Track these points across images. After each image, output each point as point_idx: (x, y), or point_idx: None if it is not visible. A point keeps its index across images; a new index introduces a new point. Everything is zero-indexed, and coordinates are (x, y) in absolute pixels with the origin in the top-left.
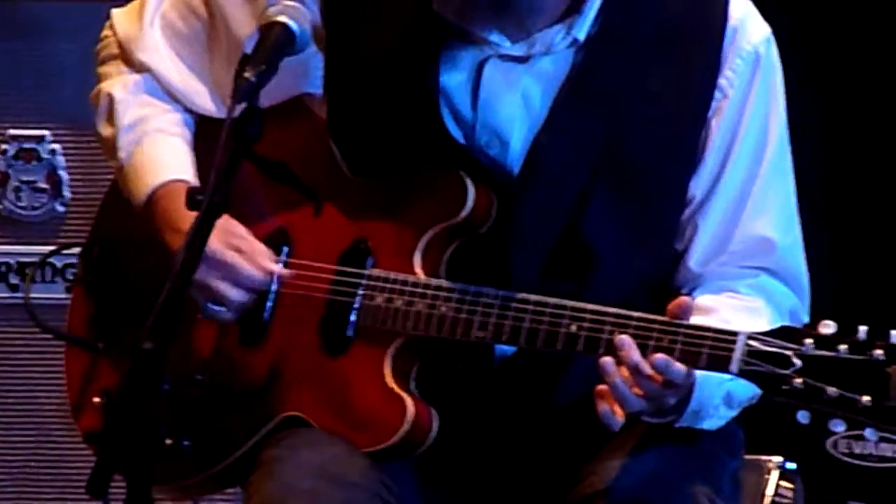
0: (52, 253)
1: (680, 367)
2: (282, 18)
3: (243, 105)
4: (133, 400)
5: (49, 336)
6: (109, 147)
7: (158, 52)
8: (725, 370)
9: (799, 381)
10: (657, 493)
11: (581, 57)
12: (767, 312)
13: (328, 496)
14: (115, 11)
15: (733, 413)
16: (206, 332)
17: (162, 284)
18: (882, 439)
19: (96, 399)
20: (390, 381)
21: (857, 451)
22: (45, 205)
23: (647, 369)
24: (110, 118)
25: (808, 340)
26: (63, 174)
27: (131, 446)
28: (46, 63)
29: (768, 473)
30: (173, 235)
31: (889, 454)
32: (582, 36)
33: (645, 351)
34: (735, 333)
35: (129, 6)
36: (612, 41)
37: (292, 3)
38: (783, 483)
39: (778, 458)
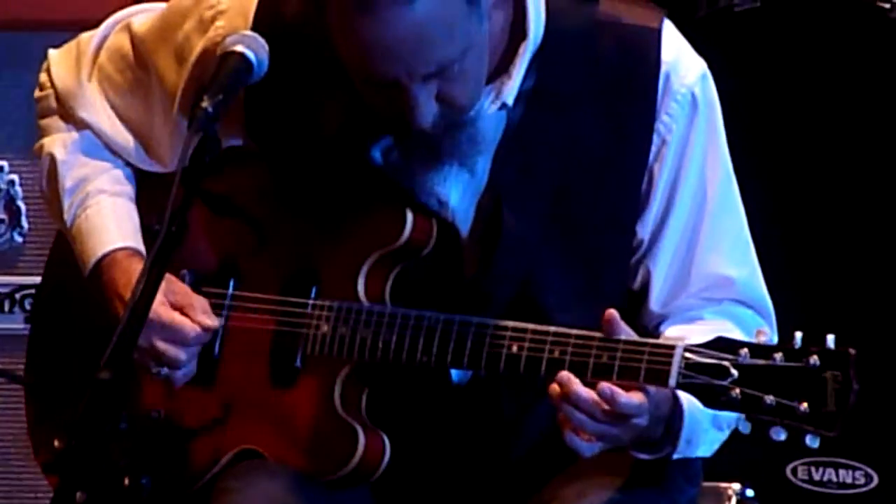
0: None
1: (628, 397)
2: (239, 48)
3: (199, 135)
4: (91, 431)
5: (9, 366)
6: (53, 208)
7: (97, 108)
8: (664, 384)
9: (737, 391)
10: None
11: (515, 116)
12: (737, 333)
13: None
14: (51, 55)
15: (723, 435)
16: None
17: (111, 329)
18: (840, 466)
19: (57, 442)
20: (340, 409)
21: (816, 477)
22: (3, 235)
23: (591, 400)
24: (52, 179)
25: (744, 350)
26: (21, 205)
27: (90, 476)
28: (3, 93)
29: (727, 500)
30: (119, 304)
31: (848, 481)
32: (510, 100)
33: (585, 369)
34: (672, 346)
35: (65, 50)
36: (543, 98)
37: (249, 33)
38: None
39: (737, 486)
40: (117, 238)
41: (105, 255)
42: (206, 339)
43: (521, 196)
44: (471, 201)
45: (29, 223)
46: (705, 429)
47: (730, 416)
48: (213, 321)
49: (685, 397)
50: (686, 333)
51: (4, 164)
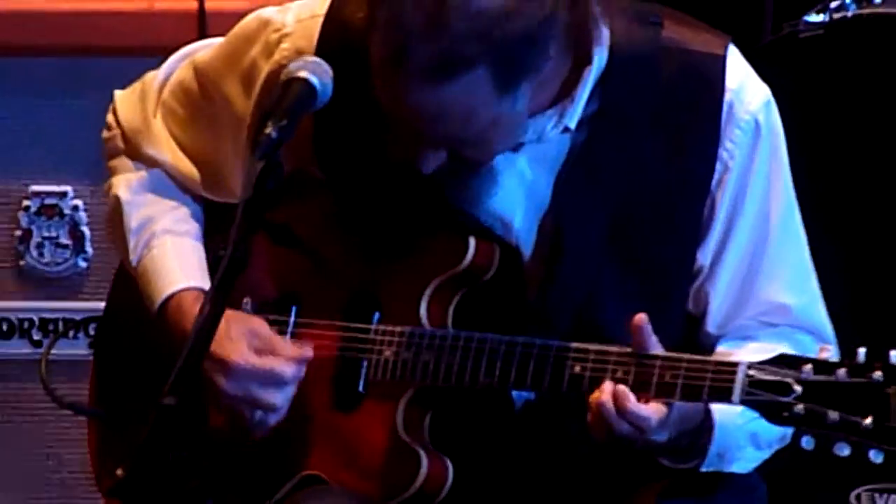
0: (60, 334)
1: (646, 412)
2: (303, 74)
3: (262, 162)
4: (154, 457)
5: (74, 392)
6: (120, 249)
7: (163, 144)
8: (728, 401)
9: (800, 407)
10: None
11: (577, 139)
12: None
13: None
14: (118, 96)
15: (765, 454)
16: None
17: (174, 359)
18: None
19: (119, 472)
20: (403, 433)
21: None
22: (68, 260)
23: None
24: (118, 221)
25: (807, 366)
26: (85, 230)
27: (155, 497)
28: (69, 119)
29: None
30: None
31: None
32: (573, 124)
33: (648, 388)
34: (735, 364)
35: (130, 91)
36: (607, 121)
37: (313, 59)
38: None
39: None
40: (182, 279)
41: (170, 297)
42: (302, 374)
43: (583, 218)
44: (533, 222)
45: (93, 248)
46: (741, 445)
47: (771, 437)
48: (307, 351)
49: (720, 412)
50: (739, 352)
51: (69, 189)
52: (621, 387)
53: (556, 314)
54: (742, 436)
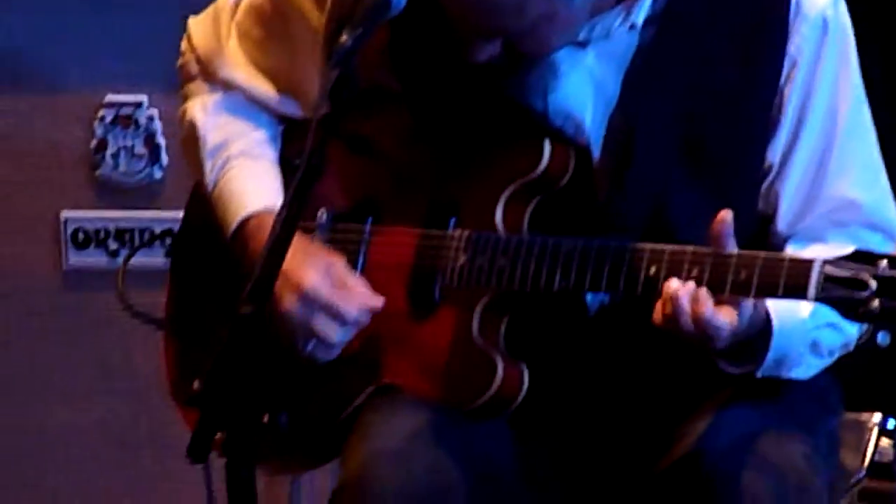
0: (138, 247)
1: (720, 317)
2: None
3: (337, 71)
4: (231, 367)
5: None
6: (196, 171)
7: (238, 65)
8: (803, 297)
9: (876, 303)
10: (751, 453)
11: (645, 37)
12: None
13: (419, 459)
14: (191, 22)
15: (825, 361)
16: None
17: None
18: None
19: (195, 383)
20: (478, 340)
21: None
22: (143, 170)
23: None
24: (194, 143)
25: (883, 262)
26: (161, 140)
27: (231, 412)
28: (145, 28)
29: (868, 432)
30: None
31: None
32: (640, 20)
33: (723, 286)
34: (811, 261)
35: (204, 16)
36: (675, 19)
37: None
38: (883, 441)
39: (878, 416)
40: (258, 201)
41: (247, 219)
42: (366, 322)
43: (652, 116)
44: (601, 120)
45: (168, 158)
46: (800, 353)
47: (833, 344)
48: (377, 301)
49: (779, 317)
50: (812, 251)
51: (144, 99)
52: (703, 291)
53: (627, 215)
54: (802, 343)
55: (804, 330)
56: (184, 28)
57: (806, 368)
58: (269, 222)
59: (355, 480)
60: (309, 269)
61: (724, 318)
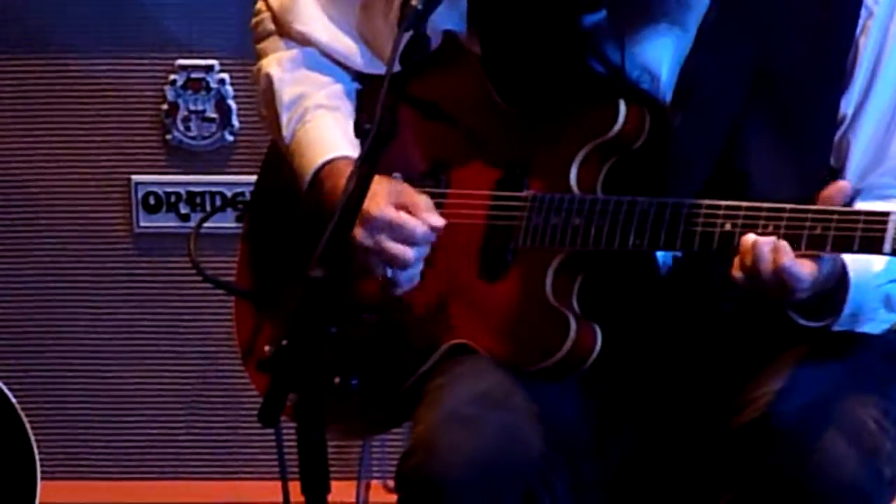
0: (210, 213)
1: (799, 267)
2: None
3: (409, 33)
4: (303, 330)
5: (220, 265)
6: (272, 126)
7: (314, 19)
8: (879, 251)
9: None
10: (824, 414)
11: None
12: None
13: (490, 421)
14: None
15: (895, 316)
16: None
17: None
18: None
19: (267, 348)
20: (552, 299)
21: None
22: (214, 134)
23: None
24: (270, 98)
25: None
26: (232, 104)
27: (302, 375)
28: None
29: None
30: None
31: None
32: None
33: (799, 241)
34: (886, 214)
35: None
36: None
37: None
38: None
39: None
40: (338, 148)
41: (325, 164)
42: (432, 238)
43: (727, 63)
44: (676, 66)
45: (240, 122)
46: (874, 307)
47: None
48: (440, 220)
49: (855, 271)
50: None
51: (215, 63)
52: (783, 242)
53: (696, 159)
54: (876, 297)
55: (878, 283)
56: None
57: (878, 323)
58: (347, 168)
59: (426, 443)
60: (374, 198)
61: (805, 269)
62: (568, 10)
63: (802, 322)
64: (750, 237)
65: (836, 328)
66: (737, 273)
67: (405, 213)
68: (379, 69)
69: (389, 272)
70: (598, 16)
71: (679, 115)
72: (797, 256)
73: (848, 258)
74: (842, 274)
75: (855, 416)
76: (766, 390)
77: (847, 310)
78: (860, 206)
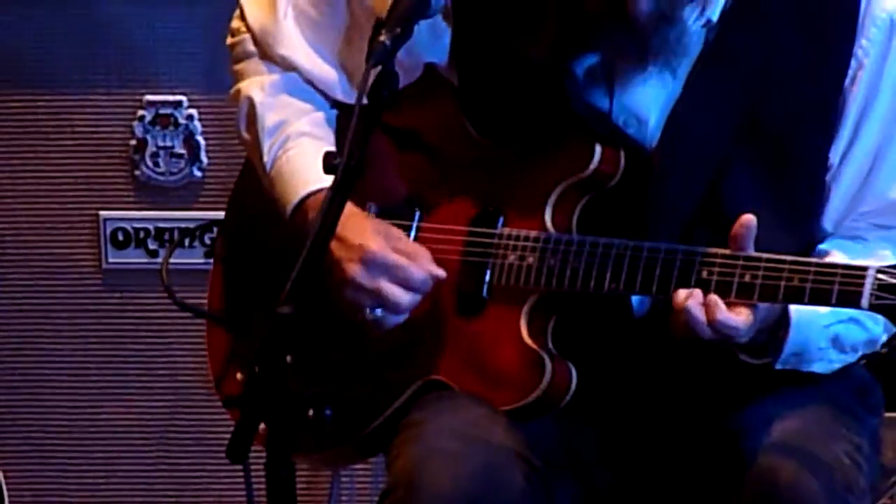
0: (178, 241)
1: (731, 318)
2: None
3: (378, 69)
4: (272, 364)
5: (189, 300)
6: (253, 151)
7: (295, 44)
8: (856, 306)
9: None
10: (798, 451)
11: (715, 32)
12: None
13: (470, 458)
14: (244, 1)
15: (850, 357)
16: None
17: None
18: None
19: (239, 375)
20: (527, 338)
21: None
22: (183, 170)
23: (698, 316)
24: (252, 122)
25: None
26: (200, 139)
27: (271, 411)
28: (183, 28)
29: None
30: None
31: None
32: (715, 16)
33: (776, 293)
34: (864, 268)
35: None
36: (745, 16)
37: None
38: None
39: None
40: (320, 179)
41: (308, 196)
42: (429, 288)
43: (714, 109)
44: (664, 111)
45: (208, 158)
46: (822, 347)
47: (855, 340)
48: (441, 272)
49: (798, 312)
50: (846, 251)
51: (183, 98)
52: (712, 297)
53: (679, 203)
54: (823, 337)
55: (824, 324)
56: (223, 28)
57: (828, 363)
58: None
59: (407, 479)
60: (370, 234)
61: (740, 317)
62: (561, 54)
63: (745, 359)
64: (680, 295)
65: (780, 366)
66: (677, 332)
67: (405, 256)
68: (353, 97)
69: (379, 313)
70: (591, 59)
71: (665, 157)
72: (730, 303)
73: None
74: (782, 314)
75: (828, 452)
76: (739, 427)
77: (788, 349)
78: (828, 244)
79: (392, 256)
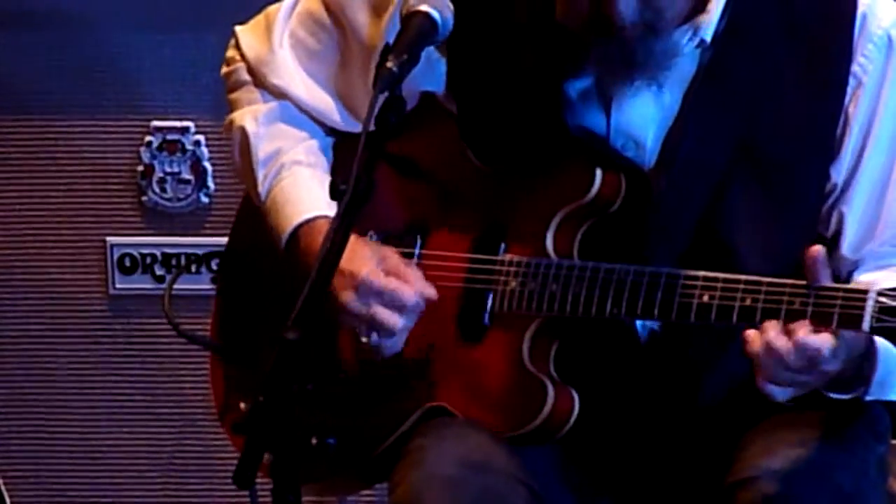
0: (183, 268)
1: (819, 342)
2: (424, 7)
3: (384, 95)
4: (278, 391)
5: (195, 326)
6: (247, 181)
7: (291, 73)
8: (858, 328)
9: None
10: (803, 481)
11: (710, 54)
12: None
13: (471, 484)
14: (239, 30)
15: None
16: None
17: (298, 293)
18: None
19: (242, 405)
20: (529, 364)
21: None
22: (190, 196)
23: (784, 348)
24: (245, 153)
25: None
26: (207, 165)
27: (277, 436)
28: (191, 54)
29: None
30: None
31: None
32: (709, 37)
33: (777, 316)
34: (865, 291)
35: (253, 23)
36: (740, 36)
37: None
38: None
39: None
40: (315, 207)
41: (303, 224)
42: (422, 308)
43: (711, 131)
44: (661, 133)
45: (215, 184)
46: None
47: None
48: (432, 291)
49: (879, 340)
50: (878, 280)
51: (190, 124)
52: (793, 324)
53: (678, 226)
54: None
55: None
56: None
57: None
58: (324, 228)
59: None
60: (362, 260)
61: (821, 337)
62: (553, 78)
63: (835, 396)
64: (753, 343)
65: (868, 398)
66: (765, 378)
67: (394, 279)
68: (354, 127)
69: (375, 338)
70: (584, 82)
71: (662, 180)
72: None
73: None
74: (868, 341)
75: (837, 482)
76: (746, 456)
77: (877, 378)
78: (861, 277)
79: (382, 281)
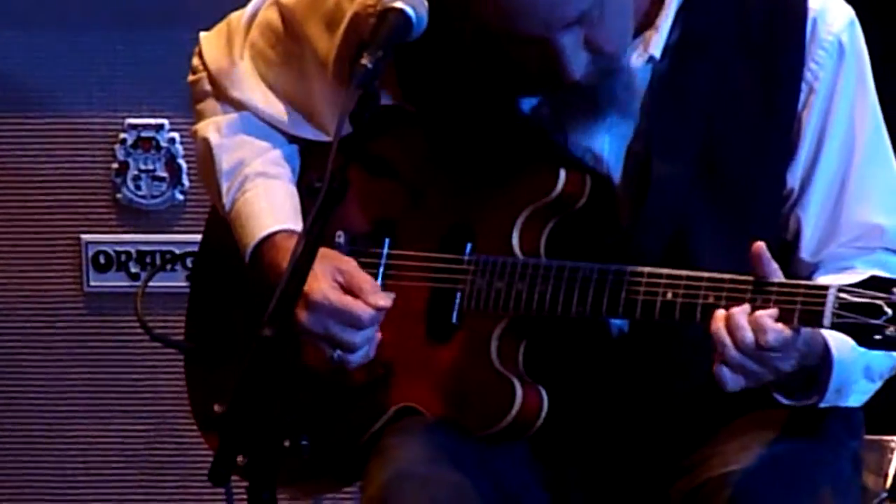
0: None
1: (777, 331)
2: (399, 4)
3: (359, 92)
4: (252, 391)
5: (170, 324)
6: (212, 192)
7: (251, 85)
8: (819, 325)
9: (891, 329)
10: (778, 477)
11: (661, 67)
12: None
13: (441, 481)
14: (203, 38)
15: (875, 386)
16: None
17: (268, 297)
18: None
19: (217, 407)
20: (497, 363)
21: None
22: (165, 193)
23: (740, 319)
24: (209, 164)
25: None
26: (182, 163)
27: (252, 435)
28: (165, 51)
29: (890, 453)
30: None
31: None
32: (658, 53)
33: None
34: (826, 287)
35: (216, 32)
36: (692, 48)
37: None
38: None
39: None
40: (276, 221)
41: (264, 239)
42: (379, 320)
43: (670, 144)
44: (620, 150)
45: (190, 181)
46: (856, 380)
47: (882, 367)
48: (385, 300)
49: (836, 347)
50: (836, 281)
51: (165, 122)
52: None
53: (646, 241)
54: (857, 369)
55: (858, 355)
56: None
57: (859, 395)
58: (287, 242)
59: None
60: (316, 279)
61: (780, 325)
62: (503, 94)
63: (787, 402)
64: (717, 312)
65: (823, 405)
66: (717, 363)
67: (350, 297)
68: (317, 136)
69: (338, 354)
70: (534, 100)
71: (627, 195)
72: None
73: (826, 332)
74: (824, 350)
75: (811, 478)
76: (718, 453)
77: (832, 385)
78: (822, 279)
79: (334, 300)
